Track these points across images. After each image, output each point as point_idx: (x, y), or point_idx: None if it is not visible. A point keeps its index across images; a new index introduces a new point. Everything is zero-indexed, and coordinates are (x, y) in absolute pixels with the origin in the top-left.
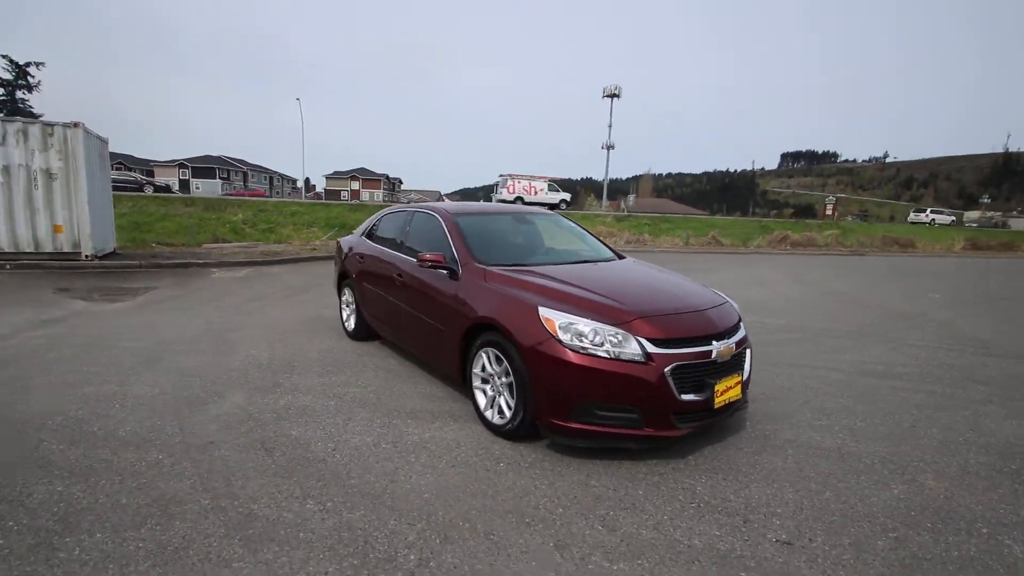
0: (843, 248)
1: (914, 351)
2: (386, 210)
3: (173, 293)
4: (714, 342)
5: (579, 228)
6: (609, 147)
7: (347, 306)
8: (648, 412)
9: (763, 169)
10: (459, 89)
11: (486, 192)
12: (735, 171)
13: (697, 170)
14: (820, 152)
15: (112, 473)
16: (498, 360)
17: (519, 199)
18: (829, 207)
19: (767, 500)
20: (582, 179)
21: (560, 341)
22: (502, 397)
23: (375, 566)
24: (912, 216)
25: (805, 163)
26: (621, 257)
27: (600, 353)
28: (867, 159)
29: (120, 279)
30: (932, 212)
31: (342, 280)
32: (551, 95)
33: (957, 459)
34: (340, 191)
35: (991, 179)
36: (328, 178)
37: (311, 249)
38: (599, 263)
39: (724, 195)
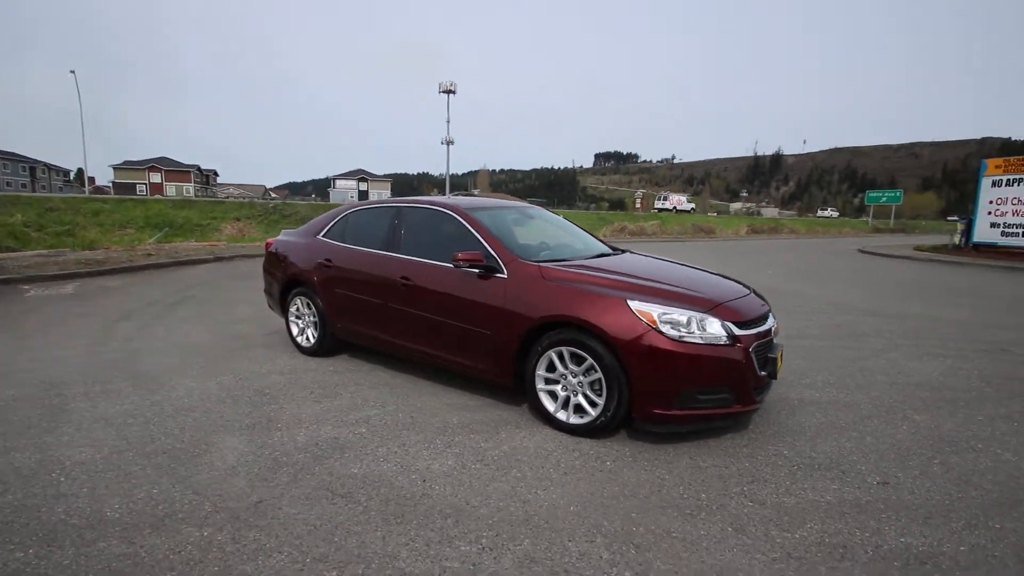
0: (667, 235)
1: (803, 315)
2: (349, 207)
3: None
4: (769, 320)
5: (566, 221)
6: (448, 142)
7: (299, 319)
8: (738, 391)
9: (582, 167)
10: (286, 77)
11: (317, 186)
12: (559, 168)
13: (526, 167)
14: (625, 153)
15: (156, 571)
16: (575, 359)
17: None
18: (638, 201)
19: (838, 451)
20: (418, 174)
21: (661, 332)
22: (579, 396)
23: None
24: (819, 212)
25: (614, 162)
26: (617, 249)
27: (697, 340)
28: (660, 160)
29: None
30: (831, 210)
31: (290, 290)
32: (385, 91)
33: (913, 397)
34: (135, 184)
35: (747, 177)
36: (118, 169)
37: (145, 255)
38: (623, 255)
39: (551, 190)
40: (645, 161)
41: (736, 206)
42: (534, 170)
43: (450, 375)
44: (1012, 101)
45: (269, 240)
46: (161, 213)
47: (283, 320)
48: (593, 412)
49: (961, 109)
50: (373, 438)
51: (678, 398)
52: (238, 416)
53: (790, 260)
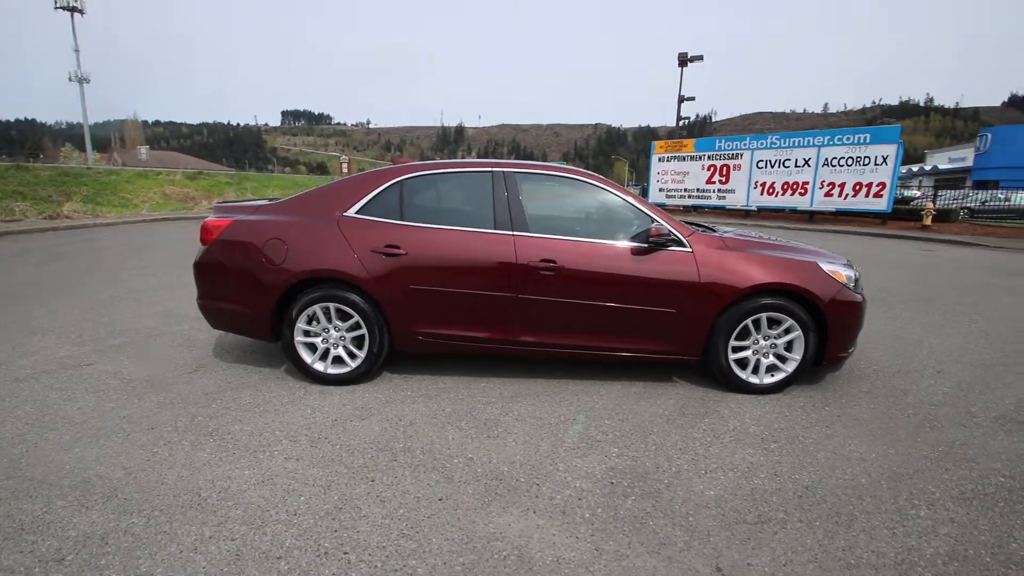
0: None
1: None
2: (398, 173)
3: None
4: None
5: None
6: (82, 80)
7: (313, 336)
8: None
9: (267, 125)
10: None
11: None
12: (239, 125)
13: (193, 120)
14: (317, 113)
15: None
16: (771, 323)
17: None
18: (344, 166)
19: (904, 359)
20: (18, 120)
21: (850, 288)
22: (770, 357)
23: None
24: None
25: (305, 122)
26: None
27: (859, 292)
28: (355, 123)
29: None
30: None
31: (295, 296)
32: None
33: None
34: None
35: (437, 145)
36: None
37: None
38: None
39: (231, 150)
40: (340, 123)
41: None
42: (205, 124)
43: (552, 365)
44: (615, 96)
45: (214, 220)
46: None
47: (225, 332)
48: (788, 368)
49: (584, 99)
50: (647, 454)
51: (852, 342)
52: (452, 492)
53: None
